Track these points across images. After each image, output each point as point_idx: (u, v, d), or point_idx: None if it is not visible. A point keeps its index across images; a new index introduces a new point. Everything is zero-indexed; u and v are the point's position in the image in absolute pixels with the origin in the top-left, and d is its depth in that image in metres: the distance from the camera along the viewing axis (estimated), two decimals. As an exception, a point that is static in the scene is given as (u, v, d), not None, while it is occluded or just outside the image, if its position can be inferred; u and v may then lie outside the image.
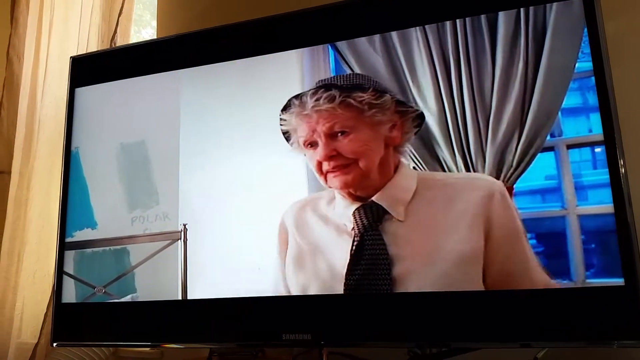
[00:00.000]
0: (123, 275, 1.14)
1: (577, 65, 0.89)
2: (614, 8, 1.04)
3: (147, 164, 1.17)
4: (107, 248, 1.17)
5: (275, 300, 1.01)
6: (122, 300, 1.13)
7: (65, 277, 1.19)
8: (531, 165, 0.90)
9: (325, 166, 0.98)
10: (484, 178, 0.93)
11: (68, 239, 1.21)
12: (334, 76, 1.04)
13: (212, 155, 1.12)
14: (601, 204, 0.84)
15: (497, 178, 0.92)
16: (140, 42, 1.54)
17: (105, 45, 1.74)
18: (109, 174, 1.20)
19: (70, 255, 1.20)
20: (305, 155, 1.02)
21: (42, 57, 1.92)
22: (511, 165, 0.91)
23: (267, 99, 1.09)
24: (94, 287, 1.16)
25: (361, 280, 0.95)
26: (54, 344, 1.19)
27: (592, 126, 0.87)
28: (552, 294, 0.85)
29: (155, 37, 1.79)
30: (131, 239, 1.15)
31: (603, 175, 0.85)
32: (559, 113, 0.89)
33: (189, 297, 1.08)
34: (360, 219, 0.97)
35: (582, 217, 0.86)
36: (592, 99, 0.87)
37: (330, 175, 0.98)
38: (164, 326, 1.10)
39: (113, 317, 1.14)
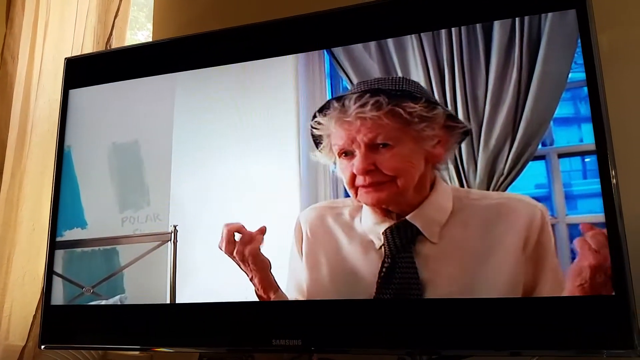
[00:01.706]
0: (112, 276, 1.14)
1: (570, 75, 0.90)
2: (607, 20, 1.05)
3: (139, 165, 1.16)
4: (97, 248, 1.16)
5: (265, 305, 1.01)
6: (110, 300, 1.13)
7: (54, 277, 1.19)
8: (522, 174, 0.90)
9: (360, 180, 0.92)
10: (525, 200, 0.88)
11: (58, 238, 1.20)
12: (378, 79, 0.98)
13: (204, 158, 1.12)
14: (590, 214, 0.85)
15: (488, 185, 0.92)
16: (135, 44, 1.54)
17: (101, 47, 1.74)
18: (101, 173, 1.20)
19: (59, 254, 1.19)
20: (334, 163, 0.97)
21: (36, 58, 1.92)
22: (502, 173, 0.91)
23: (260, 103, 1.09)
24: (82, 287, 1.15)
25: None
26: (42, 347, 1.18)
27: (584, 136, 0.87)
28: (543, 303, 0.85)
29: (151, 39, 1.79)
30: (121, 239, 1.15)
31: (593, 185, 0.85)
32: (551, 122, 0.90)
33: (177, 299, 1.08)
34: (393, 239, 0.92)
35: (571, 226, 0.86)
36: (584, 109, 0.88)
37: (361, 190, 0.92)
38: (154, 330, 1.10)
39: (102, 320, 1.14)
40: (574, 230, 0.85)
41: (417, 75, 0.98)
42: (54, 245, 1.20)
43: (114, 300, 1.12)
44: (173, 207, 1.12)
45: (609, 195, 0.83)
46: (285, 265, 1.01)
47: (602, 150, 0.85)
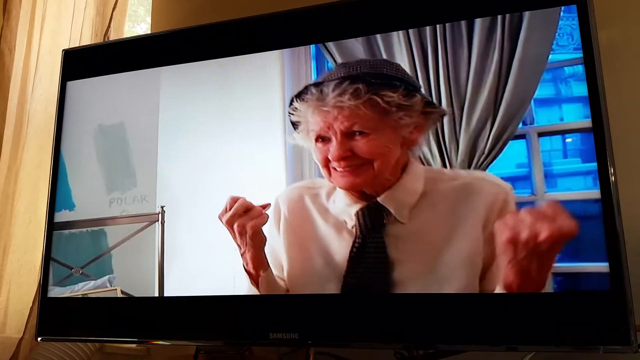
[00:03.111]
0: (100, 257, 1.14)
1: (550, 56, 0.90)
2: (607, 16, 1.05)
3: (125, 146, 1.17)
4: (85, 229, 1.17)
5: (262, 299, 1.01)
6: (99, 281, 1.13)
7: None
8: (502, 153, 0.91)
9: (335, 165, 0.93)
10: (491, 180, 0.90)
11: (46, 221, 1.21)
12: (360, 61, 0.97)
13: (191, 139, 1.12)
14: (569, 191, 0.86)
15: (470, 164, 0.92)
16: (132, 37, 1.54)
17: (99, 40, 1.74)
18: (87, 155, 1.20)
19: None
20: (311, 144, 0.97)
21: (33, 50, 1.92)
22: (483, 152, 0.91)
23: (246, 85, 1.09)
24: (71, 268, 1.16)
25: (359, 283, 0.94)
26: (39, 339, 1.17)
27: (564, 115, 0.88)
28: (539, 298, 0.85)
29: (149, 32, 1.78)
30: (109, 220, 1.15)
31: (573, 164, 0.86)
32: (532, 102, 0.91)
33: (165, 278, 1.08)
34: (364, 220, 0.94)
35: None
36: (565, 90, 0.89)
37: (336, 173, 0.94)
38: (150, 323, 1.09)
39: (99, 312, 1.14)
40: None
41: (402, 56, 0.99)
42: (50, 236, 1.20)
43: (103, 281, 1.13)
44: (160, 188, 1.13)
45: (607, 196, 0.83)
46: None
47: (602, 151, 0.85)
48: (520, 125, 0.90)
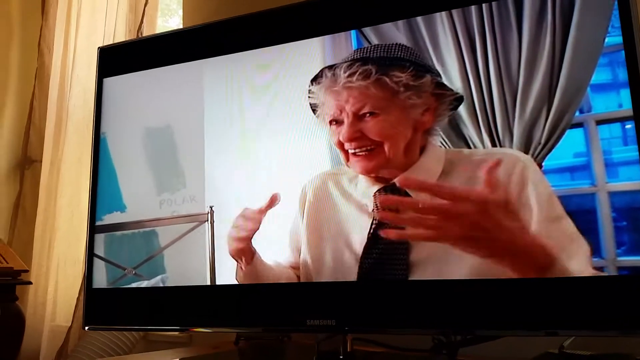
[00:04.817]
0: (152, 257, 1.16)
1: (606, 39, 0.86)
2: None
3: (173, 148, 1.18)
4: (136, 230, 1.19)
5: (299, 286, 1.02)
6: (152, 281, 1.15)
7: (96, 260, 1.21)
8: (560, 142, 0.88)
9: (347, 146, 0.95)
10: (509, 152, 0.89)
11: (98, 223, 1.23)
12: (375, 46, 0.98)
13: (236, 138, 1.12)
14: (632, 181, 0.82)
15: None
16: (166, 32, 1.55)
17: (132, 36, 1.77)
18: (136, 158, 1.21)
19: (100, 238, 1.22)
20: (327, 127, 0.99)
21: (70, 48, 1.97)
22: (539, 142, 0.88)
23: (289, 80, 1.08)
24: (124, 269, 1.18)
25: (377, 264, 0.94)
26: (86, 328, 1.21)
27: (623, 101, 0.84)
28: (580, 282, 0.82)
29: (181, 26, 1.81)
30: (159, 221, 1.17)
31: (634, 151, 0.82)
32: (588, 88, 0.87)
33: (217, 277, 1.09)
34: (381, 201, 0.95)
35: (612, 194, 0.83)
36: (623, 74, 0.84)
37: (352, 158, 0.96)
38: (192, 311, 1.11)
39: (142, 301, 1.16)
40: (615, 198, 0.83)
41: (447, 44, 0.96)
42: (93, 229, 1.22)
43: (156, 280, 1.14)
44: (208, 188, 1.13)
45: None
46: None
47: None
48: (577, 113, 0.87)
